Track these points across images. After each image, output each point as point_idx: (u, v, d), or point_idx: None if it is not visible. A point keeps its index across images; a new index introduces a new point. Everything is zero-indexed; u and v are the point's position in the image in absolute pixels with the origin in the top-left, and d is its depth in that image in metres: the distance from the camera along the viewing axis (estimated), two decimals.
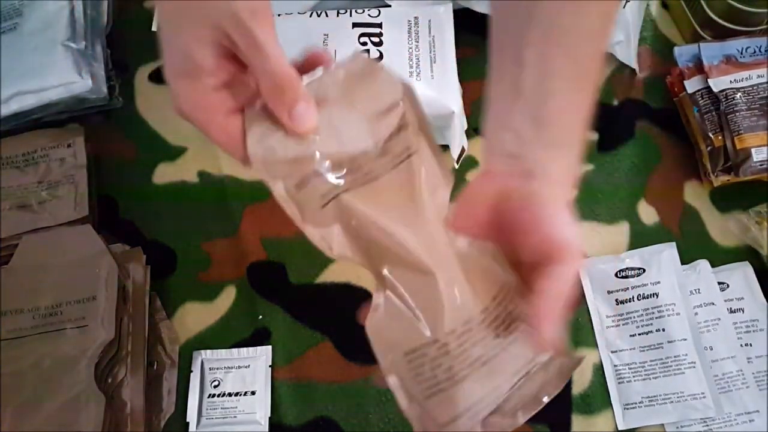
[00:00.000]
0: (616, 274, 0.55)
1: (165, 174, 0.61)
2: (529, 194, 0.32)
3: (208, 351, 0.53)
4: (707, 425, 0.50)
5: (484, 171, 0.35)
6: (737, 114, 0.56)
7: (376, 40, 0.56)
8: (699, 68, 0.59)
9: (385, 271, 0.31)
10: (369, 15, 0.57)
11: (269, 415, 0.51)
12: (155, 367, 0.51)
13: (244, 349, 0.53)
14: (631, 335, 0.53)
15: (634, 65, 0.63)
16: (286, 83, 0.30)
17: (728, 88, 0.57)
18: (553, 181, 0.32)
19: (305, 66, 0.32)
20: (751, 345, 0.52)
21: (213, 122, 0.31)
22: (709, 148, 0.57)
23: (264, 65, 0.29)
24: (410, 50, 0.56)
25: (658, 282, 0.53)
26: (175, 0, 0.30)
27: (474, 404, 0.30)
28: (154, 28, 0.58)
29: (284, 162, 0.30)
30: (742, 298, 0.54)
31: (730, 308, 0.53)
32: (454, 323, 0.30)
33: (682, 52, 0.60)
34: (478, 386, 0.30)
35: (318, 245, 0.31)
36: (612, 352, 0.53)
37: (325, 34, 0.56)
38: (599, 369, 0.52)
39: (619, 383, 0.52)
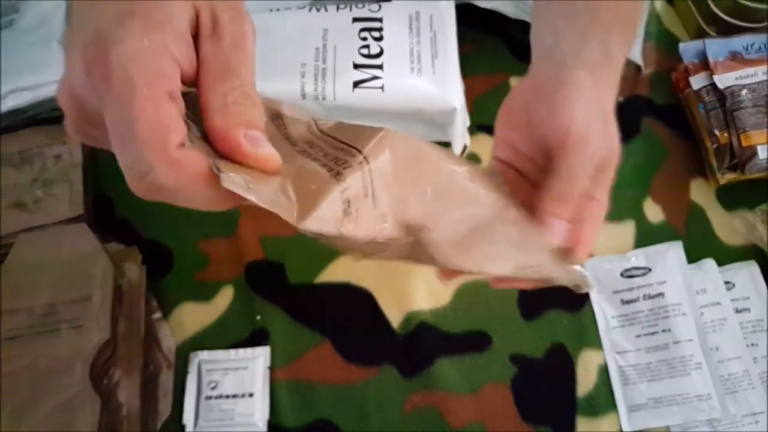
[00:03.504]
0: (621, 274, 0.54)
1: None
2: (554, 80, 0.30)
3: (205, 352, 0.52)
4: (713, 426, 0.49)
5: (527, 75, 0.33)
6: (743, 111, 0.55)
7: (376, 35, 0.55)
8: (704, 65, 0.58)
9: None
10: (369, 10, 0.57)
11: (267, 418, 0.50)
12: (151, 368, 0.50)
13: (242, 350, 0.52)
14: (636, 336, 0.52)
15: (639, 61, 0.62)
16: (252, 92, 0.23)
17: (734, 85, 0.56)
18: (584, 65, 0.30)
19: None
20: (757, 345, 0.51)
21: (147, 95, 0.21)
22: (714, 146, 0.56)
23: (242, 59, 0.23)
24: (411, 46, 0.55)
25: (664, 281, 0.53)
26: None
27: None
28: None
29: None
30: (748, 298, 0.53)
31: (736, 308, 0.53)
32: None
33: (687, 49, 0.59)
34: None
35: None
36: (617, 353, 0.52)
37: (324, 29, 0.55)
38: (604, 370, 0.51)
39: (624, 384, 0.51)
